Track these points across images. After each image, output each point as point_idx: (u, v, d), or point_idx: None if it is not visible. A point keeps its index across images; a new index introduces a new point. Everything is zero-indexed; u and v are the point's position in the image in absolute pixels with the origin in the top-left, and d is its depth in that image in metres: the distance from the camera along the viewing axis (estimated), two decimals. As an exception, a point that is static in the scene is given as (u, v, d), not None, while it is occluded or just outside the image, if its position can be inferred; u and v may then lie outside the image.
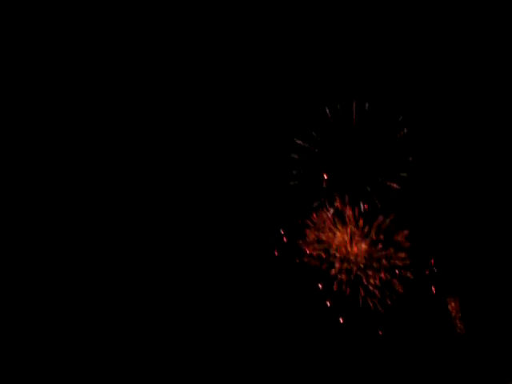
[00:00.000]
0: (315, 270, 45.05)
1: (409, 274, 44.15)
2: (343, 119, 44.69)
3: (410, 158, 44.23)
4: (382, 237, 44.76)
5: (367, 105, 44.11)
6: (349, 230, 44.92)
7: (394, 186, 44.08)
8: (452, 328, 43.25)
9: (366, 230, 44.87)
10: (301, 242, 45.19)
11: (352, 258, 44.96)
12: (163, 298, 43.59)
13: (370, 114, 44.59)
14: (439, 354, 43.00)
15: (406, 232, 44.48)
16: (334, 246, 45.09)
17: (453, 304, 42.32)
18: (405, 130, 43.94)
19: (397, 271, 44.30)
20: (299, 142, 44.70)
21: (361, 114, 44.57)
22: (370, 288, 44.31)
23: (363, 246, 44.91)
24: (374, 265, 44.73)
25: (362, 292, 44.32)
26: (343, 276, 44.69)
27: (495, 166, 43.68)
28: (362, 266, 44.72)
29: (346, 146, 44.99)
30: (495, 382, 40.29)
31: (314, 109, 44.59)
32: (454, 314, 42.48)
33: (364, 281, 44.58)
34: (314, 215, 44.90)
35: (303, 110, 44.68)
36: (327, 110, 44.39)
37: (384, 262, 44.61)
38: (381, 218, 44.40)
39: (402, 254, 44.43)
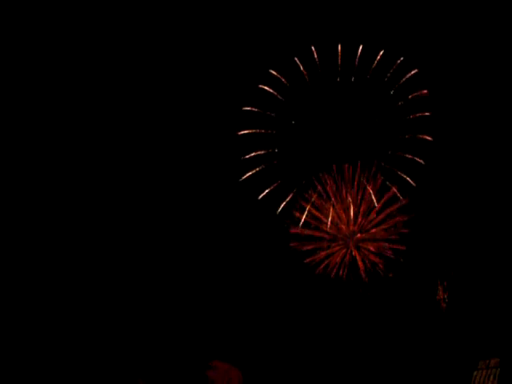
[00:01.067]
0: (304, 251, 43.55)
1: (400, 258, 42.40)
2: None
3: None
4: (372, 217, 42.99)
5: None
6: (338, 210, 43.19)
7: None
8: (439, 311, 41.57)
9: (356, 209, 43.15)
10: (288, 221, 43.51)
11: (341, 239, 43.34)
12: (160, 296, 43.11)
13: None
14: (427, 335, 41.53)
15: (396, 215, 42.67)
16: (324, 227, 43.44)
17: (441, 292, 40.70)
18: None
19: (388, 253, 42.69)
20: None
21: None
22: (361, 273, 42.77)
23: (352, 226, 43.15)
24: (364, 246, 43.06)
25: (351, 276, 42.92)
26: (331, 259, 43.14)
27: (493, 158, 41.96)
28: (351, 247, 43.10)
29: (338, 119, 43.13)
30: (480, 358, 38.94)
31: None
32: (442, 305, 40.89)
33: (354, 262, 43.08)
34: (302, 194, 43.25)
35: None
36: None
37: (374, 244, 42.88)
38: (372, 197, 42.54)
39: (393, 236, 42.57)
